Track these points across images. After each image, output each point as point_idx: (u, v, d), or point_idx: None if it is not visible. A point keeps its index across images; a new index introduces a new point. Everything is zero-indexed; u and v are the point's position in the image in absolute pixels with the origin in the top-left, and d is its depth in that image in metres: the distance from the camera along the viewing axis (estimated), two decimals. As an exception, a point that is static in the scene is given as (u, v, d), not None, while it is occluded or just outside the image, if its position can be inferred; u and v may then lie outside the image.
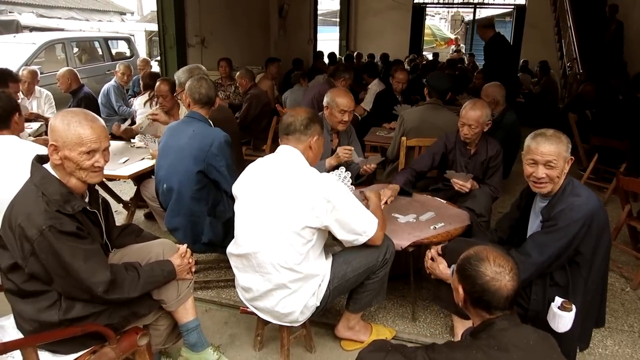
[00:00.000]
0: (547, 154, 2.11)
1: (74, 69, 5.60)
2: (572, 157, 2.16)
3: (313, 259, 2.16)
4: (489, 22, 5.93)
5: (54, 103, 5.26)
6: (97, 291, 1.73)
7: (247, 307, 2.36)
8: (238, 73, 5.56)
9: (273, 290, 2.15)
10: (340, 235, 2.15)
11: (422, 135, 3.72)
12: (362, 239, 2.20)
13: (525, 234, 2.40)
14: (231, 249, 2.29)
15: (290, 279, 2.11)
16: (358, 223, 2.16)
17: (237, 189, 2.29)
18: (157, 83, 3.97)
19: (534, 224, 2.36)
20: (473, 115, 3.05)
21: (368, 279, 2.34)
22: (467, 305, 1.56)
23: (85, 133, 1.74)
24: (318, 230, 2.12)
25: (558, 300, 2.09)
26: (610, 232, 2.38)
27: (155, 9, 6.64)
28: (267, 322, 2.49)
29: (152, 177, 3.42)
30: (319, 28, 12.97)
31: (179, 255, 2.04)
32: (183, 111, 3.90)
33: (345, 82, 4.98)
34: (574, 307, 2.07)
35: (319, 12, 12.90)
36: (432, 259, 2.40)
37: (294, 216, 2.05)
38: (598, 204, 2.13)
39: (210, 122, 2.87)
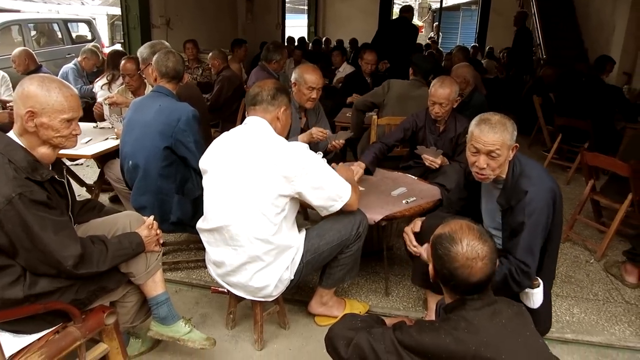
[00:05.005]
0: (490, 144, 1.99)
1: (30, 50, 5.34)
2: (517, 145, 2.05)
3: (286, 230, 2.13)
4: (406, 9, 6.99)
5: (10, 85, 5.01)
6: (66, 265, 1.65)
7: (219, 284, 2.32)
8: (210, 54, 5.41)
9: (246, 263, 2.11)
10: (316, 201, 2.12)
11: (403, 106, 3.77)
12: (338, 205, 2.18)
13: (477, 208, 2.40)
14: (201, 224, 2.24)
15: (264, 251, 2.08)
16: (332, 188, 2.14)
17: (204, 162, 2.23)
18: (123, 62, 3.81)
19: (488, 206, 2.32)
20: (442, 93, 3.06)
21: (341, 253, 2.32)
22: (437, 281, 1.53)
23: (67, 101, 1.67)
24: (290, 200, 2.09)
25: None
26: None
27: (117, -9, 6.42)
28: (239, 300, 2.46)
29: (117, 158, 3.30)
30: (288, 15, 12.81)
31: (146, 226, 1.97)
32: (149, 90, 3.77)
33: (278, 63, 4.85)
34: (540, 280, 2.10)
35: (286, -1, 12.76)
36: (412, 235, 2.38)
37: (267, 185, 2.02)
38: (550, 180, 2.08)
39: (177, 98, 2.78)
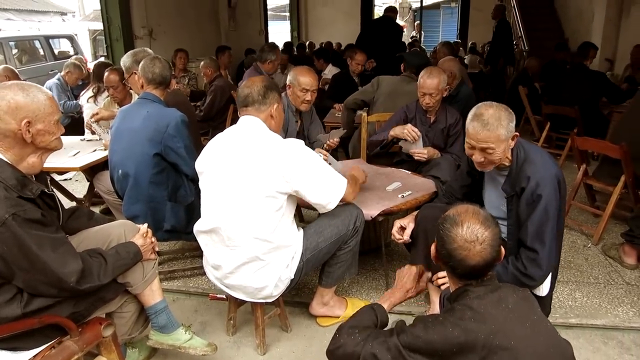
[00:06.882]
0: (482, 141, 1.94)
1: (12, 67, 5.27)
2: (517, 133, 2.00)
3: (285, 228, 2.10)
4: (390, 9, 7.17)
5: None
6: (69, 282, 1.60)
7: (218, 290, 2.28)
8: (202, 63, 5.36)
9: (245, 263, 2.07)
10: (313, 198, 2.09)
11: (394, 102, 3.75)
12: (334, 202, 2.14)
13: (478, 196, 2.38)
14: (199, 226, 2.20)
15: (263, 251, 2.04)
16: (329, 184, 2.11)
17: (200, 164, 2.20)
18: (106, 74, 3.76)
19: (492, 194, 2.28)
20: (431, 83, 3.07)
21: (340, 250, 2.30)
22: (439, 263, 1.52)
23: (51, 101, 1.64)
24: (288, 197, 2.06)
25: None
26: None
27: (98, 7, 6.35)
28: (239, 305, 2.42)
29: (106, 169, 3.24)
30: (270, 22, 12.79)
31: (141, 235, 1.93)
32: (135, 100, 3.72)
33: (272, 64, 4.85)
34: None
35: (268, 7, 12.71)
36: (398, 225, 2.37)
37: (264, 183, 1.99)
38: (554, 165, 2.05)
39: (165, 104, 2.74)
